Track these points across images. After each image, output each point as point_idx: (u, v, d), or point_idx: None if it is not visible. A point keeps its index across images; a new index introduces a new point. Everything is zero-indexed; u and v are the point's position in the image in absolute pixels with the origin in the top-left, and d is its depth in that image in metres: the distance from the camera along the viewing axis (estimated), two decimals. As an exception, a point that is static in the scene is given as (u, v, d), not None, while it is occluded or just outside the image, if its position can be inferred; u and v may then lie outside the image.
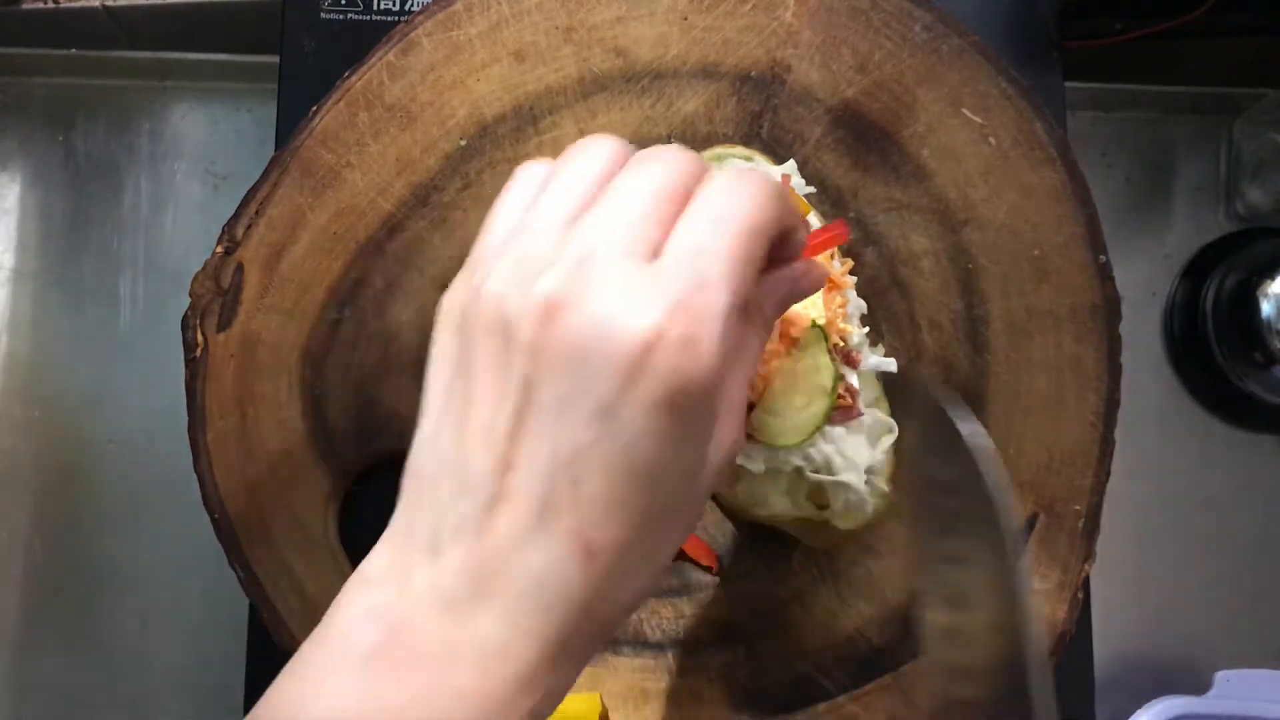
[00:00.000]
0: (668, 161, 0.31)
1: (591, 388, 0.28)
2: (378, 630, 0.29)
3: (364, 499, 0.51)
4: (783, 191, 0.32)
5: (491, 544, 0.28)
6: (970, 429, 0.40)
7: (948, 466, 0.41)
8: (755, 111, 0.51)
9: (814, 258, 0.36)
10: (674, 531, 0.31)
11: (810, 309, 0.43)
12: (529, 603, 0.28)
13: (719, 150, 0.48)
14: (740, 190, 0.30)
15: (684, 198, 0.30)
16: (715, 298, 0.28)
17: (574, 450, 0.28)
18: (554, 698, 0.30)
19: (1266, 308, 0.62)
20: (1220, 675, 0.57)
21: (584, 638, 0.29)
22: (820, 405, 0.43)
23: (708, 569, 0.49)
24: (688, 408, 0.28)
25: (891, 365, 0.47)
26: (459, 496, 0.29)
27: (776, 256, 0.34)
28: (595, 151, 0.32)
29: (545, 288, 0.29)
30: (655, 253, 0.29)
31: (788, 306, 0.36)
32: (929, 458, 0.42)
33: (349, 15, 0.56)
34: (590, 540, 0.28)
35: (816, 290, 0.36)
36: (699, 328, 0.28)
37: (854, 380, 0.45)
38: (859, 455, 0.44)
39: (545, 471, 0.28)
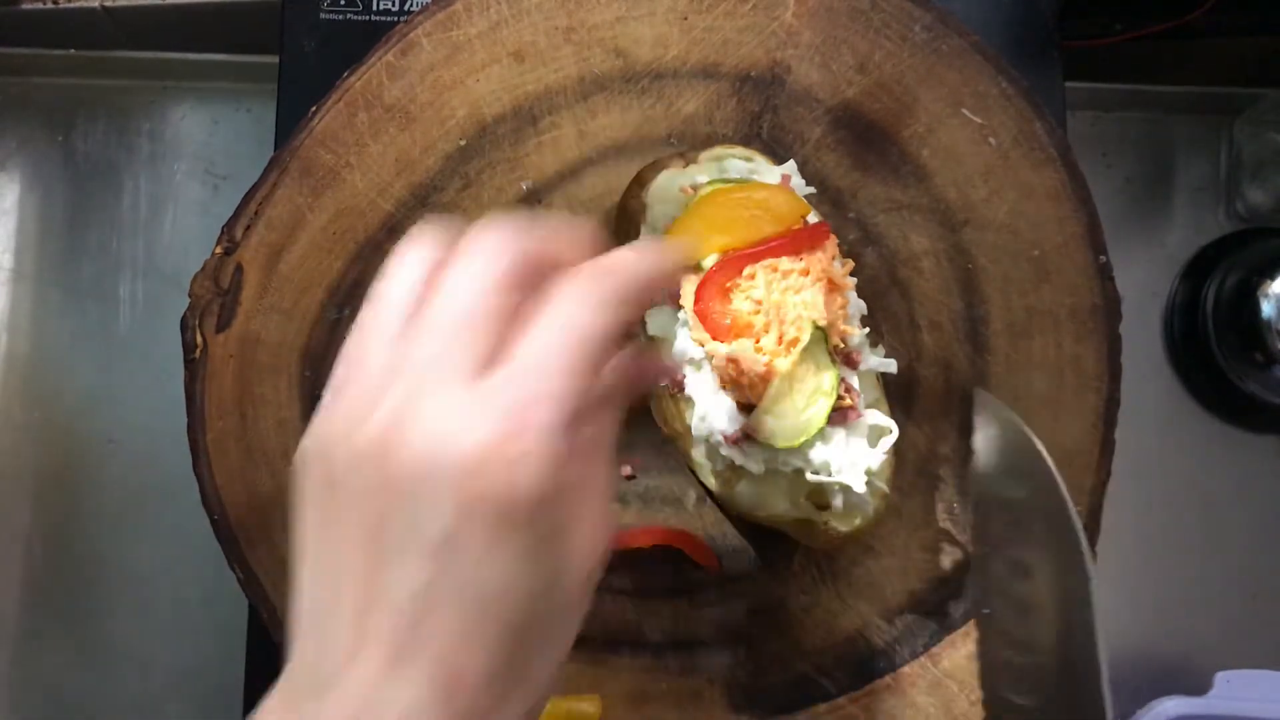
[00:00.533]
0: (487, 254, 0.30)
1: (428, 521, 0.27)
2: None
3: (364, 499, 0.51)
4: (653, 276, 0.31)
5: (357, 690, 0.28)
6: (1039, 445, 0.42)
7: (1019, 484, 0.42)
8: (755, 112, 0.51)
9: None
10: (547, 649, 0.30)
11: (811, 310, 0.43)
12: None
13: (719, 150, 0.48)
14: (582, 296, 0.29)
15: (510, 291, 0.29)
16: (544, 413, 0.28)
17: (419, 589, 0.28)
18: None
19: (1266, 308, 0.62)
20: (1220, 675, 0.57)
21: None
22: (820, 407, 0.43)
23: (708, 569, 0.49)
24: (526, 525, 0.28)
25: (891, 366, 0.47)
26: (330, 640, 0.29)
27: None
28: (411, 258, 0.31)
29: (371, 432, 0.28)
30: (485, 364, 0.28)
31: (638, 391, 0.35)
32: (1002, 476, 0.43)
33: (349, 15, 0.56)
34: (450, 676, 0.28)
35: (657, 381, 0.35)
36: (527, 443, 0.27)
37: (854, 381, 0.45)
38: (859, 456, 0.44)
39: (398, 611, 0.28)
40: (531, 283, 0.30)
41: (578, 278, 0.30)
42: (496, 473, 0.27)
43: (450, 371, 0.28)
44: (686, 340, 0.45)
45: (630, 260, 0.31)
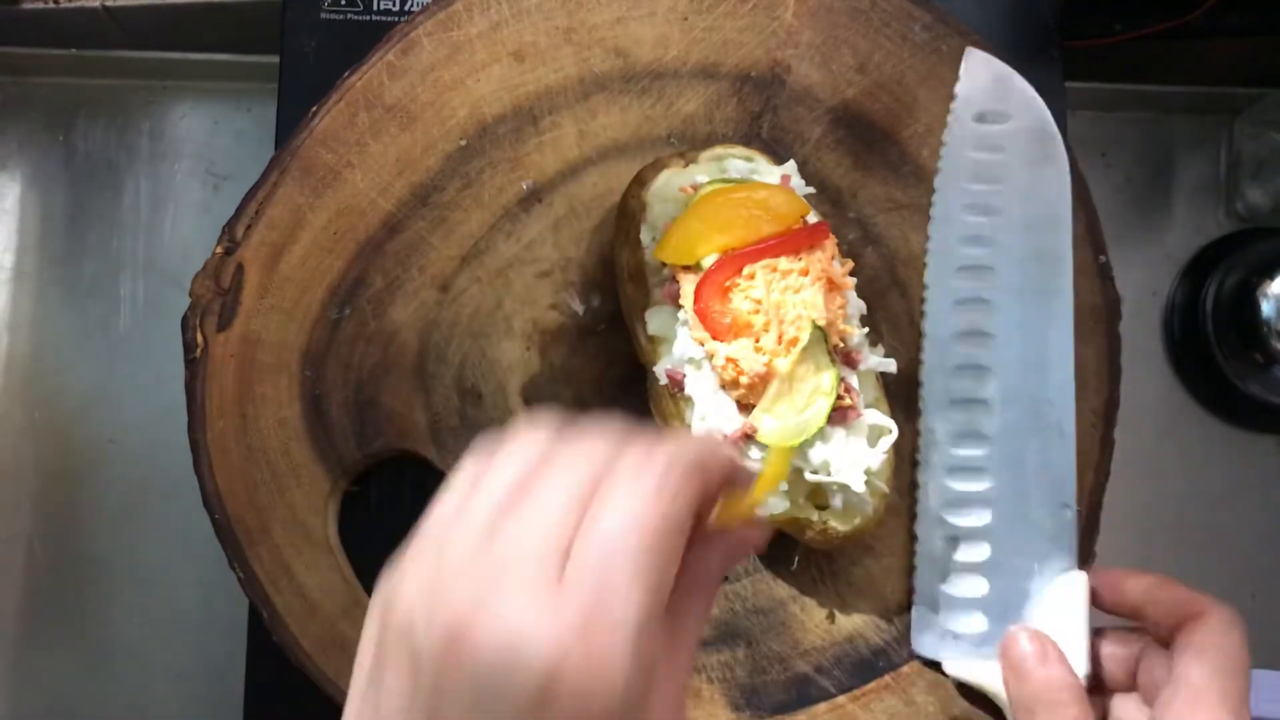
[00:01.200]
0: (587, 455, 0.30)
1: (492, 714, 0.27)
2: None
3: (364, 499, 0.51)
4: (704, 457, 0.30)
5: None
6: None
7: (1001, 117, 0.49)
8: (755, 112, 0.51)
9: (746, 519, 0.34)
10: None
11: (810, 310, 0.43)
12: None
13: (719, 150, 0.48)
14: (647, 480, 0.29)
15: (593, 496, 0.29)
16: (623, 611, 0.27)
17: None
18: None
19: (1266, 308, 0.62)
20: (1220, 675, 0.57)
21: None
22: (820, 406, 0.43)
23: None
24: None
25: (891, 365, 0.47)
26: None
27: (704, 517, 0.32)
28: (520, 450, 0.31)
29: (452, 610, 0.27)
30: (565, 572, 0.28)
31: (721, 576, 0.34)
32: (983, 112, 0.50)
33: (349, 15, 0.56)
34: None
35: (748, 554, 0.36)
36: (607, 647, 0.27)
37: (854, 381, 0.45)
38: (859, 456, 0.44)
39: None
40: None
41: (644, 460, 0.30)
42: (575, 681, 0.26)
43: (534, 573, 0.27)
44: (686, 340, 0.45)
45: (683, 445, 0.31)
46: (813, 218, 0.46)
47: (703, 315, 0.44)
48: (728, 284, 0.44)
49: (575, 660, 0.26)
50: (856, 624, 0.49)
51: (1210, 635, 0.42)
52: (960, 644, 0.48)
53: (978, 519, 0.48)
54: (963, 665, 0.48)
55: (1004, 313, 0.49)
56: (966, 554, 0.48)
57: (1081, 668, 0.44)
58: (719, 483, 0.32)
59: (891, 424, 0.45)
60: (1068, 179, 0.49)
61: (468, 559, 0.28)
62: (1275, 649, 0.63)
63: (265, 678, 0.52)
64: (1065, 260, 0.49)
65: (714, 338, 0.44)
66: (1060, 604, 0.46)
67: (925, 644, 0.48)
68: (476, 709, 0.27)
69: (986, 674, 0.47)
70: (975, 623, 0.47)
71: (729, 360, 0.43)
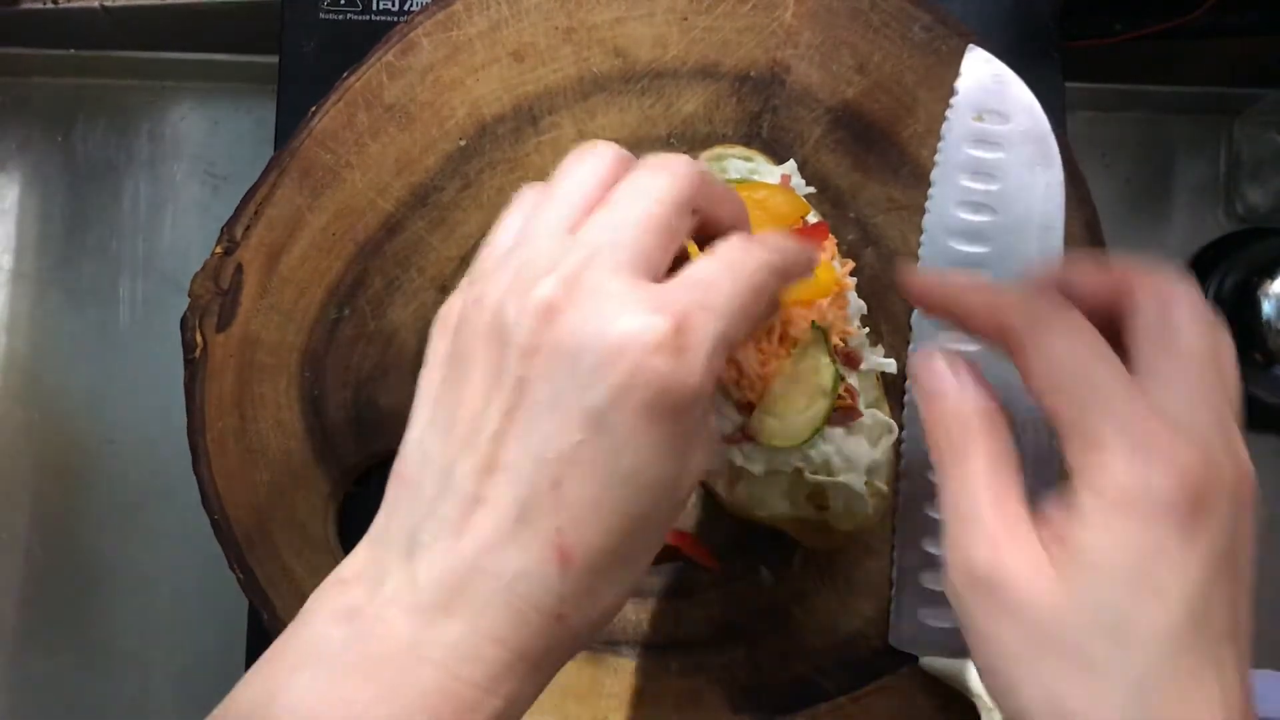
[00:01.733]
0: (671, 174, 0.31)
1: (583, 390, 0.28)
2: (347, 630, 0.29)
3: (363, 500, 0.51)
4: (787, 244, 0.33)
5: (467, 547, 0.28)
6: None
7: (999, 118, 0.48)
8: (755, 112, 0.51)
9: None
10: (650, 543, 0.31)
11: (810, 310, 0.43)
12: (500, 608, 0.28)
13: (719, 150, 0.48)
14: (749, 244, 0.31)
15: (685, 215, 0.31)
16: (713, 321, 0.29)
17: (559, 452, 0.28)
18: (521, 704, 0.30)
19: (1266, 308, 0.62)
20: (1220, 675, 0.57)
21: (554, 646, 0.29)
22: (821, 406, 0.43)
23: (709, 570, 0.49)
24: (676, 418, 0.29)
25: (891, 365, 0.47)
26: (439, 498, 0.29)
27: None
28: (594, 161, 0.32)
29: (543, 293, 0.29)
30: (653, 272, 0.30)
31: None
32: (981, 114, 0.48)
33: (348, 15, 0.56)
34: (568, 545, 0.28)
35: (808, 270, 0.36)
36: (694, 341, 0.28)
37: (854, 381, 0.45)
38: (859, 456, 0.44)
39: (529, 473, 0.28)
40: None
41: (745, 236, 0.32)
42: (662, 361, 0.28)
43: (626, 262, 0.29)
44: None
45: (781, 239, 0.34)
46: (813, 218, 0.46)
47: None
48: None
49: (665, 349, 0.28)
50: (857, 624, 0.49)
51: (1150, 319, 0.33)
52: (936, 639, 0.48)
53: None
54: (938, 660, 0.48)
55: None
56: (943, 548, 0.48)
57: None
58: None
59: (892, 424, 0.45)
60: (1061, 184, 0.49)
61: (549, 258, 0.30)
62: (1275, 649, 0.63)
63: (265, 678, 0.52)
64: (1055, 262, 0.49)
65: None
66: None
67: (902, 637, 0.48)
68: (565, 378, 0.28)
69: (961, 670, 0.47)
70: (951, 617, 0.47)
71: (727, 362, 0.43)
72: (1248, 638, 0.30)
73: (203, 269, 0.49)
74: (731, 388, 0.44)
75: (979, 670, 0.32)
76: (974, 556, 0.31)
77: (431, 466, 0.30)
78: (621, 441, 0.28)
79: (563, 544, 0.28)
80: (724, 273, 0.30)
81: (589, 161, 0.32)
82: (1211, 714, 0.28)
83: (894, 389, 0.49)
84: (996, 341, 0.33)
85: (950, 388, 0.33)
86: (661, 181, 0.31)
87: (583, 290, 0.29)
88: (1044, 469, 0.43)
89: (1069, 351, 0.31)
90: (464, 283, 0.32)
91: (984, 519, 0.31)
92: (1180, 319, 0.32)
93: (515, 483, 0.28)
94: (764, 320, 0.33)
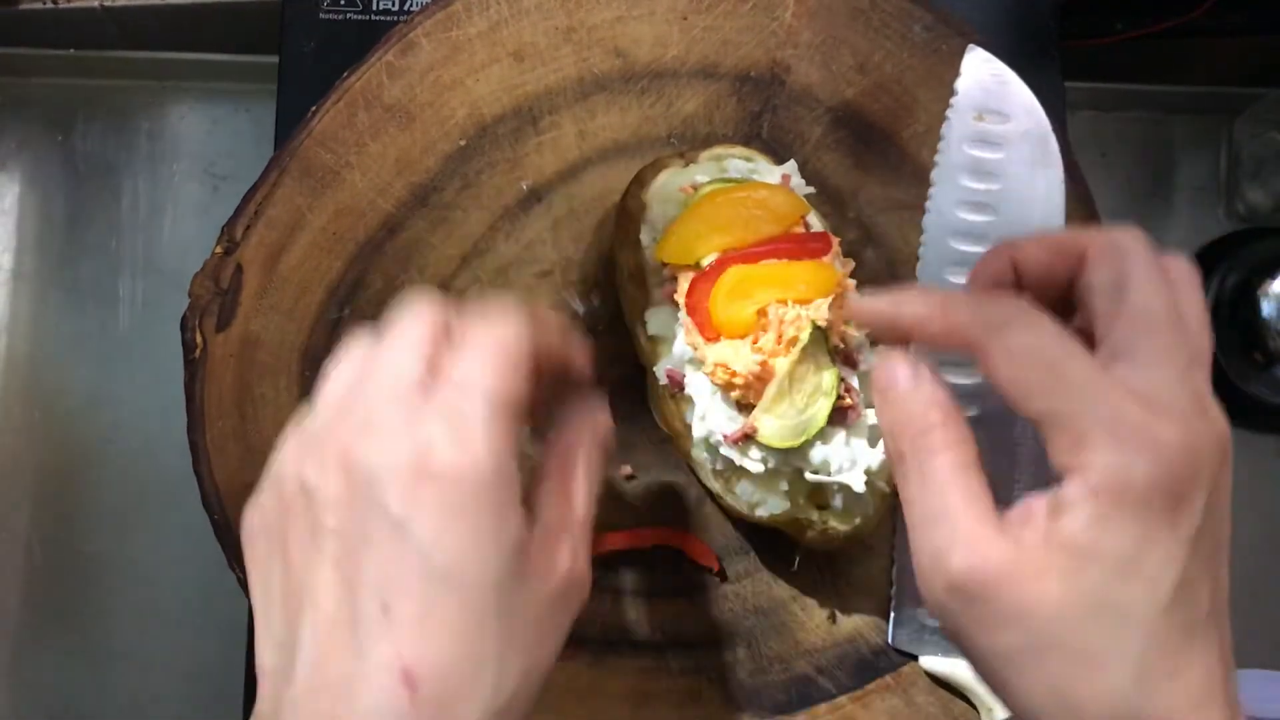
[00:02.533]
0: (415, 315, 0.33)
1: (385, 511, 0.29)
2: None
3: (363, 499, 0.51)
4: (532, 333, 0.33)
5: (324, 703, 0.29)
6: None
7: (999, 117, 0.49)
8: (755, 111, 0.51)
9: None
10: (509, 651, 0.30)
11: (810, 310, 0.43)
12: None
13: (719, 150, 0.48)
14: (490, 321, 0.33)
15: (444, 340, 0.32)
16: (479, 399, 0.30)
17: (380, 577, 0.29)
18: None
19: (1266, 308, 0.62)
20: (1220, 675, 0.57)
21: None
22: (821, 407, 0.43)
23: (709, 570, 0.49)
24: (478, 501, 0.29)
25: (891, 365, 0.47)
26: (290, 668, 0.30)
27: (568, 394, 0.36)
28: (358, 339, 0.34)
29: (335, 447, 0.30)
30: (428, 392, 0.31)
31: (598, 458, 0.36)
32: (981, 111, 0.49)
33: (348, 15, 0.56)
34: (409, 665, 0.28)
35: (606, 440, 0.37)
36: (466, 425, 0.30)
37: (854, 381, 0.45)
38: (859, 456, 0.44)
39: (361, 609, 0.29)
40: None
41: (484, 315, 0.33)
42: (442, 454, 0.29)
43: (402, 396, 0.31)
44: (685, 340, 0.45)
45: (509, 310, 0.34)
46: (813, 218, 0.46)
47: (693, 312, 0.44)
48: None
49: (441, 443, 0.29)
50: (857, 624, 0.49)
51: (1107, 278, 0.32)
52: (936, 638, 0.48)
53: None
54: (938, 660, 0.48)
55: None
56: None
57: None
58: (555, 335, 0.35)
59: (891, 424, 0.45)
60: (1061, 184, 0.49)
61: (337, 411, 0.32)
62: (1275, 649, 0.63)
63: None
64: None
65: (705, 337, 0.44)
66: None
67: (902, 638, 0.48)
68: (368, 507, 0.29)
69: (961, 669, 0.47)
70: None
71: (717, 365, 0.43)
72: (1227, 607, 0.31)
73: (203, 269, 0.49)
74: (727, 389, 0.44)
75: (975, 671, 0.32)
76: (951, 561, 0.30)
77: (282, 645, 0.31)
78: (429, 544, 0.29)
79: (403, 665, 0.28)
80: (477, 354, 0.31)
81: (355, 340, 0.34)
82: (1202, 686, 0.29)
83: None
84: (959, 348, 0.32)
85: (906, 385, 0.33)
86: (410, 326, 0.33)
87: (369, 431, 0.30)
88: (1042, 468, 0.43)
89: (1031, 346, 0.30)
90: (258, 488, 0.34)
91: (956, 520, 0.30)
92: (1135, 278, 0.31)
93: (351, 623, 0.29)
94: (546, 369, 0.34)
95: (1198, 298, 0.32)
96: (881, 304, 0.35)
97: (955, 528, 0.30)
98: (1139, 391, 0.29)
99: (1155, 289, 0.31)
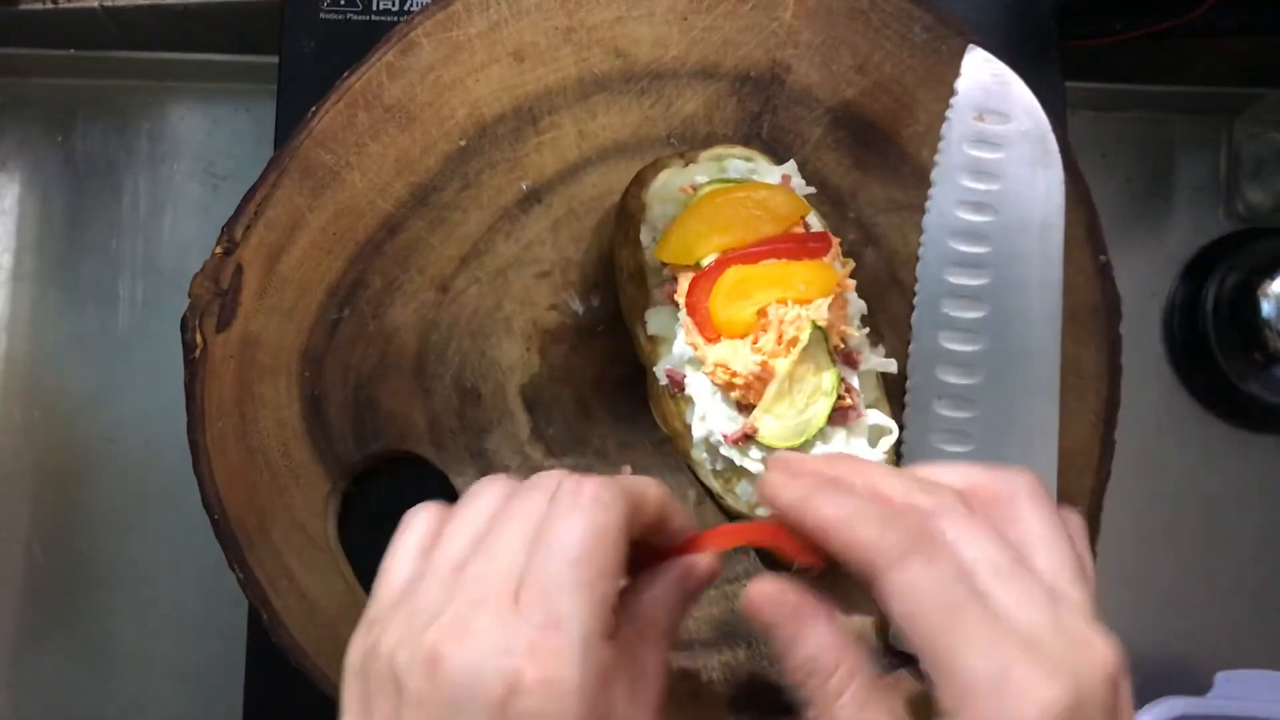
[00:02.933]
0: (531, 500, 0.33)
1: None
2: None
3: (363, 500, 0.51)
4: (629, 486, 0.33)
5: None
6: None
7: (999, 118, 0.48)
8: (755, 112, 0.51)
9: (702, 550, 0.36)
10: None
11: (810, 310, 0.43)
12: None
13: (719, 150, 0.48)
14: (569, 508, 0.32)
15: (538, 542, 0.32)
16: (568, 633, 0.30)
17: None
18: None
19: (1267, 307, 0.62)
20: (1220, 675, 0.57)
21: None
22: (821, 407, 0.43)
23: (806, 567, 0.48)
24: None
25: (891, 366, 0.47)
26: None
27: (660, 546, 0.36)
28: (480, 502, 0.34)
29: (428, 642, 0.31)
30: (519, 603, 0.31)
31: (688, 603, 0.37)
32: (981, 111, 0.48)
33: (348, 15, 0.56)
34: None
35: (706, 583, 0.37)
36: (555, 667, 0.30)
37: (854, 381, 0.45)
38: (859, 455, 0.44)
39: None
40: None
41: (566, 491, 0.33)
42: (530, 698, 0.29)
43: (495, 602, 0.31)
44: (685, 340, 0.45)
45: (610, 479, 0.34)
46: (813, 218, 0.46)
47: (693, 311, 0.44)
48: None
49: (528, 684, 0.29)
50: (857, 624, 0.49)
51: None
52: None
53: None
54: None
55: (992, 308, 0.49)
56: None
57: None
58: (653, 508, 0.35)
59: (892, 424, 0.45)
60: (1061, 184, 0.49)
61: (438, 602, 0.32)
62: (1275, 649, 0.63)
63: (265, 678, 0.52)
64: (1056, 262, 0.49)
65: (704, 338, 0.44)
66: None
67: (902, 637, 0.48)
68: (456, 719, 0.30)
69: None
70: None
71: (717, 365, 0.43)
72: None
73: (202, 269, 0.49)
74: (727, 389, 0.44)
75: None
76: None
77: None
78: None
79: None
80: (556, 563, 0.31)
81: (476, 502, 0.34)
82: None
83: (894, 389, 0.49)
84: (854, 567, 0.32)
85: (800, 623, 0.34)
86: (528, 510, 0.33)
87: (460, 636, 0.30)
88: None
89: (929, 587, 0.30)
90: (362, 622, 0.34)
91: None
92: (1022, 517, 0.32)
93: None
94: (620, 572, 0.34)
95: (1043, 512, 0.33)
96: (793, 491, 0.34)
97: None
98: (1027, 637, 0.29)
99: (984, 540, 0.31)
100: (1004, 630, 0.30)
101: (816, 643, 0.34)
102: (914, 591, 0.30)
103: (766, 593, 0.35)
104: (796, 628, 0.34)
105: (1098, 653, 0.30)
